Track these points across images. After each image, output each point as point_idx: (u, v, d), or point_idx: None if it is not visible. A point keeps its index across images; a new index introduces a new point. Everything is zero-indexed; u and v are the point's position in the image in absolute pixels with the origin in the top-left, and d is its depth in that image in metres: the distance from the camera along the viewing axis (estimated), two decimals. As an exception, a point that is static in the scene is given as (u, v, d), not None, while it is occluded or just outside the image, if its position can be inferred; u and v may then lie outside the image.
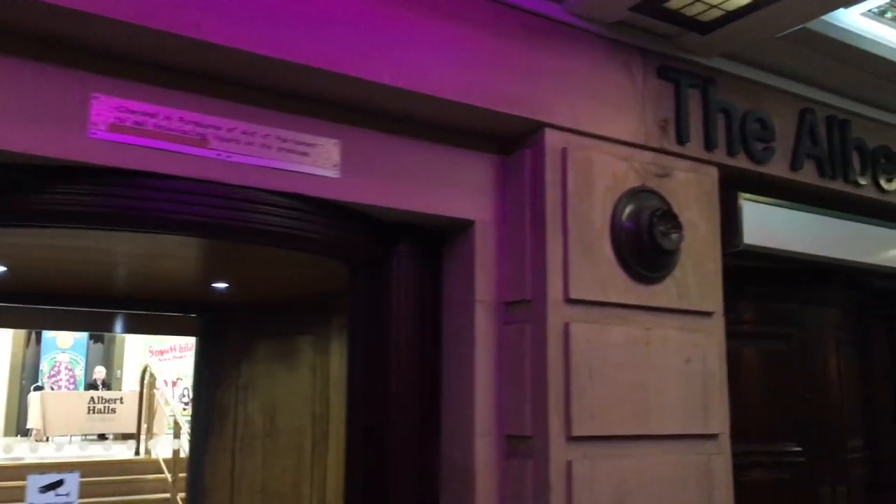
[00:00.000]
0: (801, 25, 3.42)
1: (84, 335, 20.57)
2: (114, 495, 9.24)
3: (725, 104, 3.66)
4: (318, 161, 2.79)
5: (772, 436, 4.26)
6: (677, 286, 3.36)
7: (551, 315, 3.01)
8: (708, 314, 3.47)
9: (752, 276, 4.28)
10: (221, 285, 4.22)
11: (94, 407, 16.12)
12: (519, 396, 3.06)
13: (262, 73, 2.62)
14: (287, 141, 2.72)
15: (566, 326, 3.02)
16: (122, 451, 13.39)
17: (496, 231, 3.20)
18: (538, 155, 3.13)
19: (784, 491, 4.20)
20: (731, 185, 3.75)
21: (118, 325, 5.61)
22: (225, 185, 2.61)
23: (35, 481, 3.45)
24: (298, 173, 2.76)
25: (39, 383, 18.16)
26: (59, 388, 19.72)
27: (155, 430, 12.77)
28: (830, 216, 4.10)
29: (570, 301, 3.06)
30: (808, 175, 3.96)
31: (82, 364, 20.47)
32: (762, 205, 3.84)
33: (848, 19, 3.74)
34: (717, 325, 3.50)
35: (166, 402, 12.57)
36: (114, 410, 16.08)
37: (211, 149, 2.58)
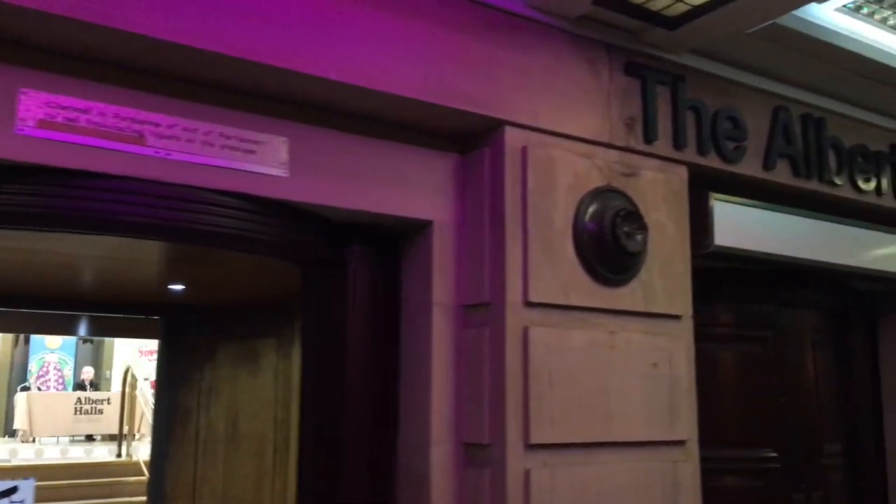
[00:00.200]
0: (772, 21, 3.33)
1: (74, 335, 20.39)
2: (94, 498, 9.15)
3: (695, 102, 3.56)
4: (265, 159, 2.69)
5: (746, 441, 4.17)
6: (643, 289, 3.27)
7: (510, 318, 2.92)
8: (676, 317, 3.37)
9: (728, 277, 4.19)
10: (178, 287, 4.12)
11: (80, 408, 16.01)
12: (477, 403, 2.96)
13: (201, 67, 2.52)
14: (231, 138, 2.62)
15: (525, 330, 2.93)
16: (107, 453, 13.30)
17: (455, 232, 3.11)
18: (497, 153, 3.03)
19: (758, 497, 4.12)
20: (702, 185, 3.65)
21: (81, 328, 5.50)
22: (164, 184, 2.51)
23: (-13, 487, 3.35)
24: (244, 172, 2.66)
25: (26, 384, 18.04)
26: (48, 388, 19.61)
27: (143, 430, 12.66)
28: (806, 217, 4.01)
29: (529, 304, 2.96)
30: (781, 175, 3.87)
31: (71, 364, 20.35)
32: (735, 205, 3.74)
33: (822, 15, 3.66)
34: (686, 328, 3.41)
35: (146, 403, 12.45)
36: (101, 411, 15.97)
37: (148, 146, 2.48)
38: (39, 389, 18.40)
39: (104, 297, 4.64)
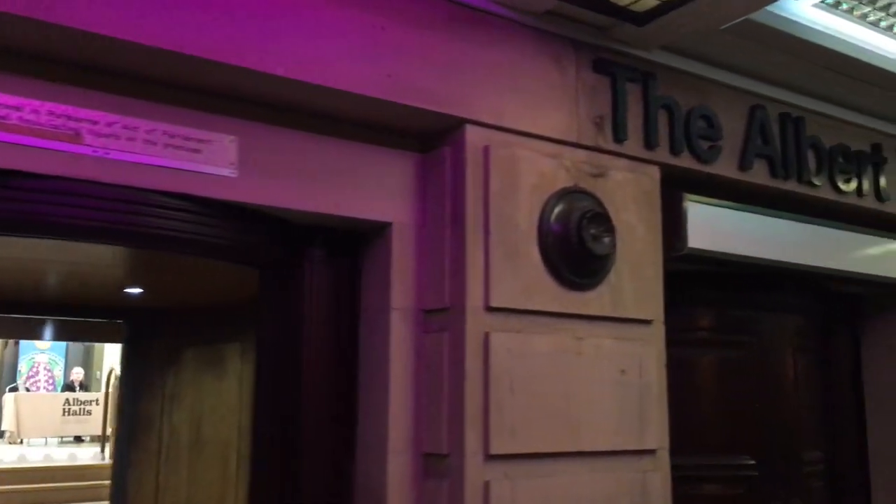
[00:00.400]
0: (745, 17, 3.23)
1: (64, 335, 20.26)
2: (75, 501, 9.04)
3: (668, 100, 3.46)
4: (212, 159, 2.58)
5: (724, 448, 4.07)
6: (612, 293, 3.17)
7: (470, 324, 2.82)
8: (646, 322, 3.27)
9: (705, 280, 4.09)
10: (135, 291, 4.01)
11: (69, 409, 15.94)
12: (436, 411, 2.86)
13: (141, 63, 2.42)
14: (175, 137, 2.52)
15: (486, 336, 2.83)
16: (94, 455, 13.20)
17: (416, 234, 3.00)
18: (458, 153, 2.93)
19: (735, 506, 4.02)
20: (676, 186, 3.55)
21: (47, 332, 5.39)
22: (102, 184, 2.40)
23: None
24: (189, 172, 2.55)
25: (14, 384, 17.93)
26: (38, 388, 19.52)
27: (129, 432, 12.54)
28: (784, 219, 3.91)
29: (490, 309, 2.86)
30: (758, 175, 3.77)
31: (61, 365, 20.26)
32: (709, 206, 3.64)
33: (800, 11, 3.55)
34: (657, 333, 3.31)
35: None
36: (89, 412, 15.89)
37: (86, 145, 2.37)
38: (28, 390, 18.30)
39: (67, 301, 4.54)
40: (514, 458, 2.83)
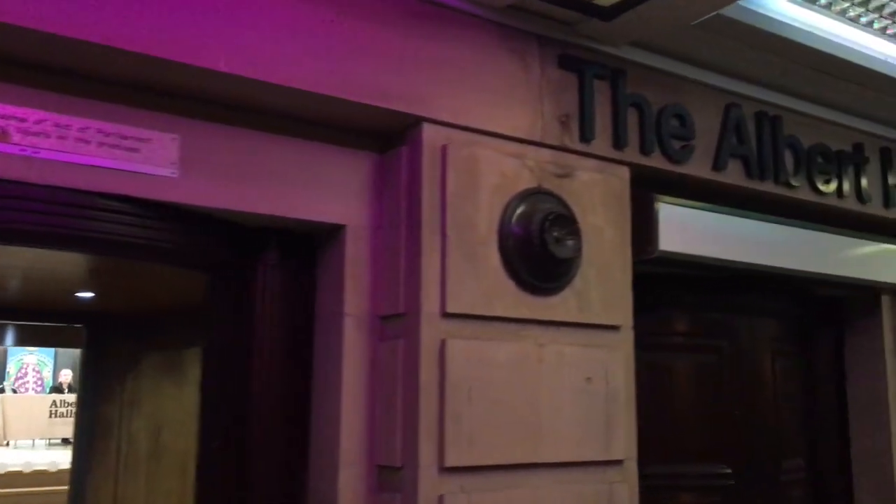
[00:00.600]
0: (716, 12, 3.12)
1: (53, 336, 20.07)
2: (56, 506, 8.88)
3: (638, 98, 3.35)
4: (152, 158, 2.47)
5: (700, 456, 3.96)
6: (577, 298, 3.06)
7: (425, 330, 2.70)
8: (614, 328, 3.16)
9: (679, 284, 3.98)
10: (87, 295, 3.89)
11: (55, 411, 15.82)
12: (390, 422, 2.75)
13: (73, 58, 2.30)
14: (110, 135, 2.40)
15: (442, 343, 2.71)
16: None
17: (372, 237, 2.89)
18: (414, 152, 2.82)
19: (711, 515, 3.91)
20: (647, 187, 3.44)
21: (8, 338, 5.26)
22: (31, 185, 2.29)
23: None
24: (126, 172, 2.44)
25: (1, 386, 17.81)
26: (26, 390, 19.39)
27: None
28: (761, 220, 3.79)
29: (447, 315, 2.74)
30: (733, 176, 3.66)
31: (50, 366, 20.12)
32: (682, 208, 3.53)
33: (775, 7, 3.44)
34: (625, 339, 3.19)
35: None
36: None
37: (13, 144, 2.26)
38: (15, 392, 18.16)
39: (26, 305, 4.41)
40: (472, 471, 2.71)
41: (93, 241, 2.46)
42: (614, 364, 3.11)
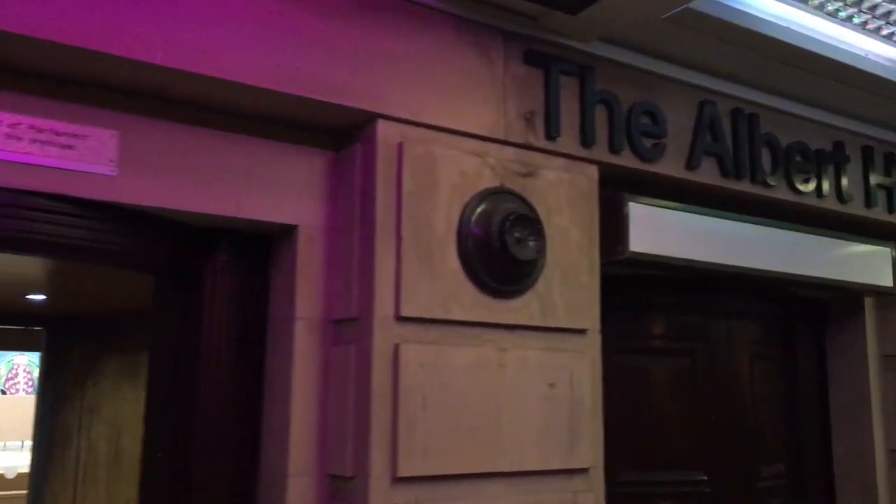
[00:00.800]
0: (685, 6, 3.01)
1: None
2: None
3: (607, 95, 3.25)
4: (88, 156, 2.37)
5: (675, 463, 3.86)
6: (540, 301, 2.95)
7: (378, 335, 2.60)
8: (580, 332, 3.06)
9: (654, 285, 3.89)
10: (38, 297, 3.79)
11: (45, 411, 15.67)
12: (342, 430, 2.65)
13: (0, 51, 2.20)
14: (44, 131, 2.30)
15: (396, 348, 2.61)
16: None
17: (326, 238, 2.79)
18: (369, 150, 2.72)
19: (685, 524, 3.81)
20: (618, 186, 3.34)
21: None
22: (-44, 183, 2.19)
23: None
24: (61, 170, 2.33)
25: (-11, 386, 17.68)
26: (17, 391, 19.24)
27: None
28: (737, 221, 3.69)
29: (402, 319, 2.64)
30: (707, 175, 3.55)
31: (42, 367, 19.97)
32: (654, 208, 3.43)
33: (750, 0, 3.34)
34: (592, 343, 3.09)
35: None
36: (66, 415, 15.63)
37: (-63, 140, 2.15)
38: (4, 393, 18.03)
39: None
40: (426, 481, 2.61)
41: (29, 243, 2.36)
42: (580, 369, 3.01)
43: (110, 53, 2.24)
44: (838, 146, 4.10)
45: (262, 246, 2.88)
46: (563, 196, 3.07)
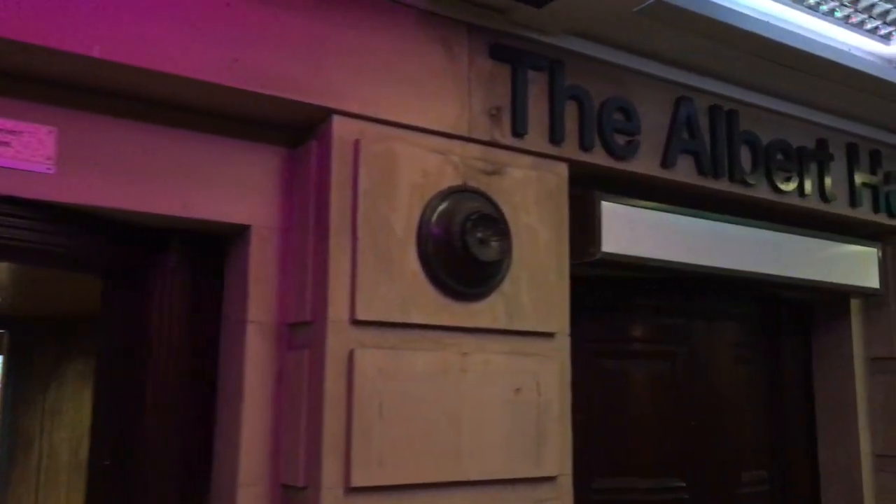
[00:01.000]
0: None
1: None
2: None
3: (577, 90, 3.15)
4: (24, 153, 2.27)
5: (652, 469, 3.76)
6: (506, 303, 2.85)
7: (332, 339, 2.50)
8: (548, 335, 2.96)
9: (632, 287, 3.79)
10: (-9, 298, 3.71)
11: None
12: (295, 438, 2.55)
13: (-76, 42, 2.10)
14: (-24, 128, 2.20)
15: (350, 353, 2.51)
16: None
17: (280, 238, 2.69)
18: (324, 147, 2.62)
19: (662, 532, 3.71)
20: (591, 185, 3.24)
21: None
22: None
23: None
24: (-6, 168, 2.24)
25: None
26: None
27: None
28: (715, 220, 3.60)
29: (357, 322, 2.54)
30: (684, 173, 3.45)
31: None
32: (628, 207, 3.33)
33: (727, -7, 3.24)
34: (560, 347, 2.99)
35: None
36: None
37: None
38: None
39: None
40: (382, 491, 2.52)
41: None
42: (547, 373, 2.91)
43: (44, 46, 2.14)
44: (821, 144, 4.00)
45: (217, 247, 2.78)
46: (530, 195, 2.98)
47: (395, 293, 2.62)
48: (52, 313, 4.17)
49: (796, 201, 3.85)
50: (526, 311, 2.90)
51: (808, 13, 3.56)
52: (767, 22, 3.37)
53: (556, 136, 3.07)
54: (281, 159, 2.72)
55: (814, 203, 3.93)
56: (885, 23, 3.68)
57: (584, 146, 3.15)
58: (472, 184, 2.83)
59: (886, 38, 3.78)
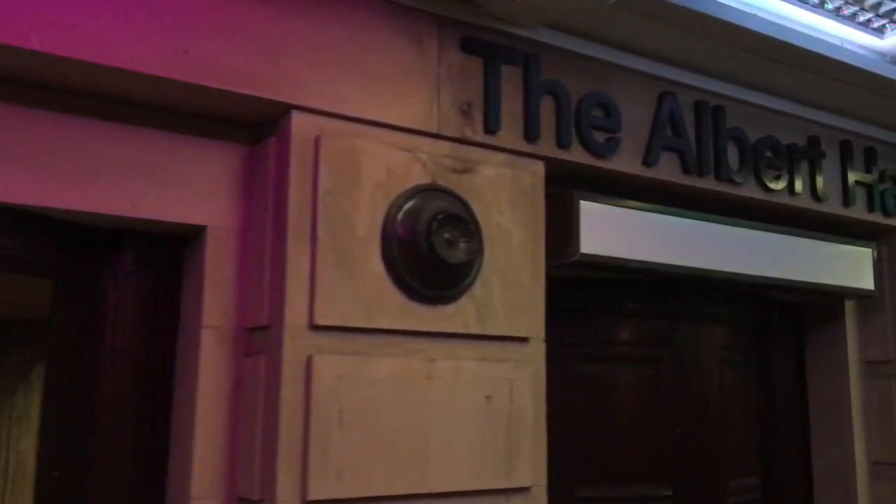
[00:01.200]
0: (634, -11, 2.79)
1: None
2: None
3: (554, 85, 3.03)
4: (-43, 150, 2.15)
5: (637, 477, 3.63)
6: (477, 307, 2.73)
7: (289, 345, 2.39)
8: (522, 340, 2.84)
9: (615, 289, 3.66)
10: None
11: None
12: (250, 449, 2.43)
13: None
14: None
15: (308, 359, 2.39)
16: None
17: (238, 239, 2.58)
18: (283, 144, 2.50)
19: (646, 542, 3.59)
20: (570, 184, 3.12)
21: None
22: None
23: None
24: (-76, 166, 2.13)
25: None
26: None
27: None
28: (701, 220, 3.47)
29: (316, 327, 2.42)
30: (667, 171, 3.32)
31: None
32: (609, 207, 3.21)
33: (710, -15, 3.12)
34: (535, 352, 2.87)
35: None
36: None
37: None
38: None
39: None
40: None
41: None
42: (520, 380, 2.79)
43: (-25, 37, 2.03)
44: (813, 141, 3.87)
45: (174, 248, 2.67)
46: (503, 194, 2.86)
47: (358, 296, 2.51)
48: (16, 317, 4.07)
49: (786, 200, 3.72)
50: (498, 315, 2.78)
51: (797, 5, 3.44)
52: (755, 14, 3.26)
53: (531, 133, 2.94)
54: (239, 157, 2.61)
55: (805, 202, 3.80)
56: (877, 15, 3.55)
57: (562, 143, 3.02)
58: (441, 182, 2.72)
59: (880, 32, 3.65)
